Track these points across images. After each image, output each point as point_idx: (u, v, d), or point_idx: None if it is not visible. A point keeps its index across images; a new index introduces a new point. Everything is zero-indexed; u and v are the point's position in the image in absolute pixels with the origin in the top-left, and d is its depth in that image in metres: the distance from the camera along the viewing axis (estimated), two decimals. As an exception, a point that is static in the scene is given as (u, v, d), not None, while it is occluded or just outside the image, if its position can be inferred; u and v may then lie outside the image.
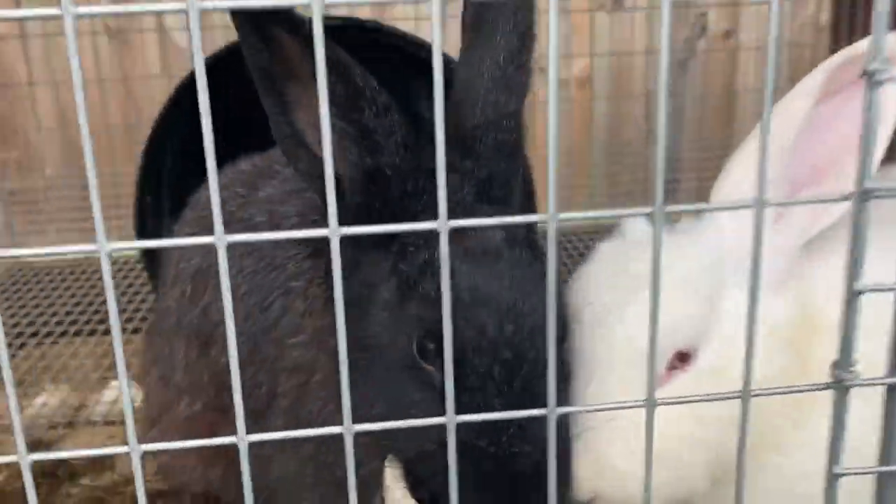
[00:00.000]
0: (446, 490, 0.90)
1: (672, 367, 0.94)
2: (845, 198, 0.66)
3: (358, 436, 1.00)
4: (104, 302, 2.55)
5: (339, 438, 1.10)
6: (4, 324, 2.32)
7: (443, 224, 0.66)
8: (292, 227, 1.16)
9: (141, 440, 1.50)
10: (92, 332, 2.37)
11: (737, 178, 1.00)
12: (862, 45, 0.89)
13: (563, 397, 0.91)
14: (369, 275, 0.97)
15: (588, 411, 0.86)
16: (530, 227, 0.97)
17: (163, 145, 1.96)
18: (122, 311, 2.51)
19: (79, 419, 1.89)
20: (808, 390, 0.75)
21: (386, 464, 0.98)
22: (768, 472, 0.98)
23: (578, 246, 2.71)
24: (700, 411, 0.92)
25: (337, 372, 1.06)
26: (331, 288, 1.08)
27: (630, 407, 0.74)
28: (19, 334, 2.34)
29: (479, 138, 0.95)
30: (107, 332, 2.34)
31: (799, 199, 0.68)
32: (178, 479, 1.42)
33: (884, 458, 0.77)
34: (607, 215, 0.67)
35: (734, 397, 0.74)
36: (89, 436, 1.79)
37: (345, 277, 1.03)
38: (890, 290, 0.71)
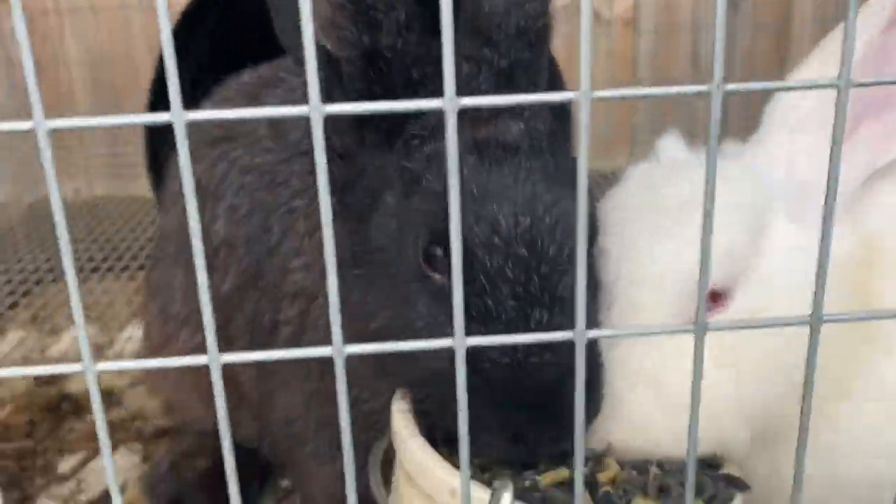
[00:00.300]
0: (456, 420, 0.79)
1: (709, 303, 0.81)
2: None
3: (363, 364, 0.91)
4: (127, 240, 2.51)
5: (348, 370, 1.00)
6: (24, 267, 2.29)
7: (449, 102, 0.54)
8: (298, 140, 1.04)
9: (146, 373, 1.40)
10: (124, 269, 2.30)
11: (795, 95, 0.88)
12: None
13: (592, 311, 0.79)
14: (374, 181, 0.86)
15: (621, 336, 0.74)
16: (555, 127, 0.84)
17: (178, 55, 1.84)
18: (140, 250, 2.45)
19: (100, 356, 1.82)
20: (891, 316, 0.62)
21: (394, 403, 0.87)
22: (831, 423, 0.85)
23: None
24: (740, 356, 0.80)
25: (348, 307, 0.96)
26: (338, 202, 0.98)
27: (677, 332, 0.62)
28: (42, 273, 2.28)
29: (499, 24, 0.82)
30: (139, 268, 2.27)
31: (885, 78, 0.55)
32: (181, 417, 1.34)
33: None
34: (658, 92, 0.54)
35: (802, 323, 0.62)
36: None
37: (349, 187, 0.93)
38: None
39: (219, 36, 1.84)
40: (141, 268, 2.29)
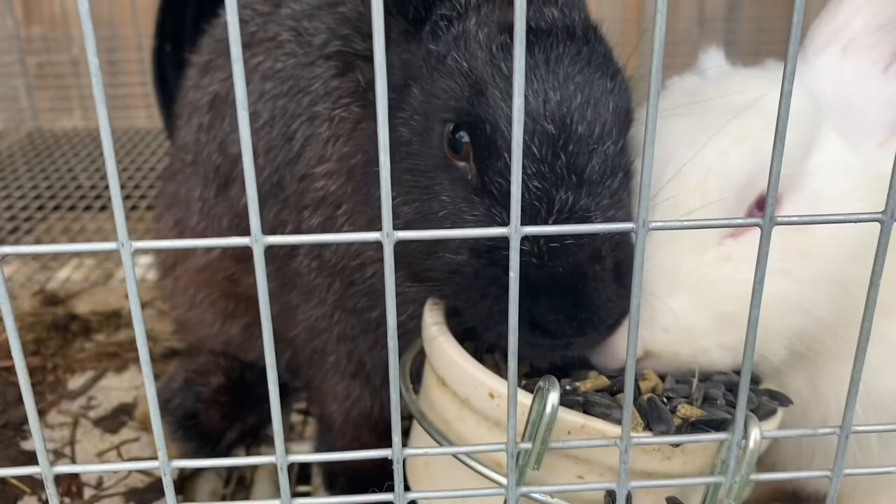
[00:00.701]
0: (478, 307, 0.76)
1: (752, 214, 0.79)
2: None
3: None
4: (129, 171, 2.46)
5: (369, 277, 0.97)
6: (24, 194, 2.25)
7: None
8: (322, 44, 1.00)
9: (159, 291, 1.36)
10: (126, 198, 2.25)
11: (845, 13, 0.85)
12: None
13: (624, 194, 0.75)
14: (399, 76, 0.83)
15: (684, 228, 0.71)
16: (589, 15, 0.81)
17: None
18: (143, 179, 2.41)
19: (99, 280, 1.79)
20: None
21: (426, 311, 0.84)
22: (873, 339, 0.83)
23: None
24: (790, 266, 0.77)
25: (363, 202, 0.92)
26: (361, 106, 0.94)
27: (743, 225, 0.59)
28: (45, 200, 2.23)
29: None
30: (141, 197, 2.23)
31: None
32: (194, 335, 1.31)
33: None
34: None
35: (873, 219, 0.59)
36: (106, 293, 1.69)
37: (371, 87, 0.89)
38: None
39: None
40: (142, 197, 2.25)
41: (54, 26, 2.88)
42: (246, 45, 1.09)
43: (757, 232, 0.77)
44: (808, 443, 0.89)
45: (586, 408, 0.72)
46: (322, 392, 1.10)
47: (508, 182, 0.72)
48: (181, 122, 1.22)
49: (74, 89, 2.96)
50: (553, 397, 0.65)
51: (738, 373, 0.81)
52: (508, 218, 0.69)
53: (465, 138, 0.75)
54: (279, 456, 0.66)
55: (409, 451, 0.65)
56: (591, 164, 0.72)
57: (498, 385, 0.72)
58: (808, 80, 0.85)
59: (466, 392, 0.75)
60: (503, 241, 0.69)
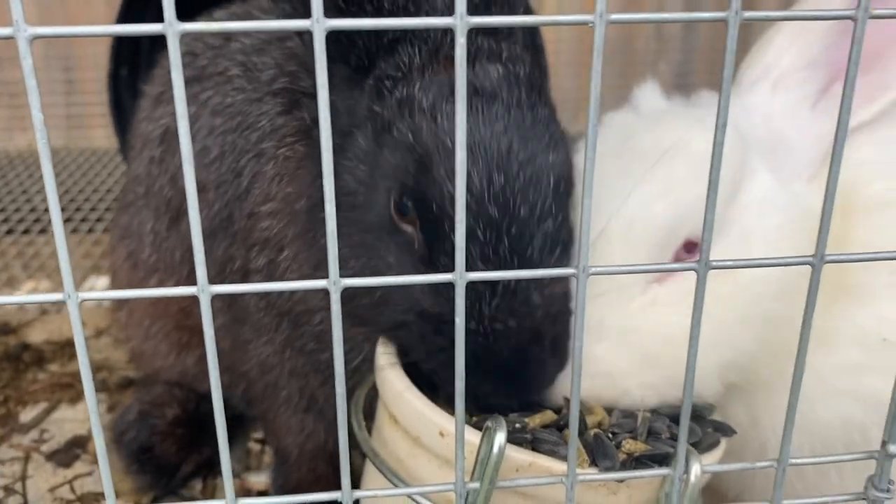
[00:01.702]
0: (427, 365, 0.78)
1: (678, 259, 0.81)
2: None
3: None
4: (86, 192, 2.43)
5: (317, 324, 0.98)
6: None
7: (460, 20, 0.52)
8: (270, 80, 1.00)
9: (113, 323, 1.35)
10: (83, 220, 2.23)
11: (775, 52, 0.88)
12: None
13: (563, 264, 0.77)
14: (344, 121, 0.83)
15: (623, 272, 0.73)
16: (534, 70, 0.82)
17: (139, 12, 1.78)
18: (99, 202, 2.38)
19: (52, 308, 1.77)
20: (890, 257, 0.62)
21: (379, 348, 0.85)
22: (806, 371, 0.86)
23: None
24: (717, 307, 0.79)
25: (307, 247, 0.93)
26: (306, 145, 0.94)
27: (680, 269, 0.61)
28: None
29: None
30: (97, 220, 2.20)
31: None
32: (150, 366, 1.30)
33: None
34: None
35: (804, 262, 0.61)
36: (60, 321, 1.67)
37: (317, 126, 0.90)
38: None
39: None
40: (99, 220, 2.22)
41: (8, 44, 2.84)
42: (196, 79, 1.10)
43: (681, 276, 0.80)
44: (750, 471, 0.92)
45: (534, 445, 0.73)
46: (277, 425, 1.10)
47: (454, 260, 0.74)
48: (133, 154, 1.22)
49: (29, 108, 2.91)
50: (500, 437, 0.66)
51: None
52: (454, 293, 0.73)
53: (412, 206, 0.77)
54: (229, 500, 0.66)
55: (358, 493, 0.66)
56: (533, 244, 0.74)
57: (448, 424, 0.73)
58: (740, 115, 0.87)
59: (417, 430, 0.76)
60: (449, 312, 0.72)
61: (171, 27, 0.51)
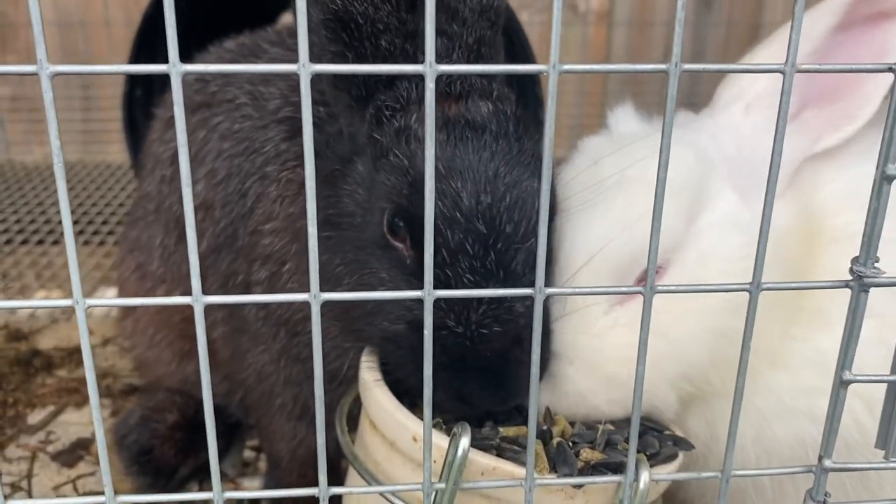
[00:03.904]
0: (415, 375, 0.84)
1: (640, 281, 0.86)
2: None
3: (332, 324, 0.95)
4: (98, 206, 2.51)
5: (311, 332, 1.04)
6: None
7: (429, 67, 0.59)
8: (275, 109, 1.08)
9: (119, 331, 1.42)
10: (94, 233, 2.30)
11: (750, 76, 0.93)
12: None
13: (549, 282, 0.84)
14: (345, 148, 0.90)
15: (577, 294, 0.79)
16: (525, 106, 0.89)
17: (156, 33, 1.86)
18: (111, 215, 2.46)
19: (62, 317, 1.84)
20: (825, 286, 0.68)
21: (362, 357, 0.92)
22: (763, 390, 0.91)
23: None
24: (672, 326, 0.85)
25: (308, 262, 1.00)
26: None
27: (627, 292, 0.67)
28: (12, 235, 2.28)
29: (464, 0, 0.87)
30: (109, 233, 2.28)
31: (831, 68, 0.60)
32: (153, 373, 1.37)
33: (898, 367, 0.70)
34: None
35: (742, 289, 0.68)
36: (69, 329, 1.74)
37: (321, 154, 0.97)
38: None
39: (199, 8, 1.87)
40: (111, 233, 2.30)
41: (29, 57, 2.94)
42: (207, 105, 1.17)
43: (640, 297, 0.86)
44: (712, 485, 0.97)
45: (500, 452, 0.79)
46: (270, 431, 1.16)
47: (446, 275, 0.81)
48: (145, 173, 1.29)
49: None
50: (464, 441, 0.72)
51: (651, 422, 0.89)
52: (447, 306, 0.80)
53: (403, 225, 0.83)
54: (216, 493, 0.72)
55: (334, 489, 0.72)
56: (517, 259, 0.81)
57: (421, 429, 0.79)
58: (711, 134, 0.92)
59: (393, 435, 0.82)
60: (443, 319, 0.80)
61: (175, 68, 0.58)
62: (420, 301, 0.83)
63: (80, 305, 0.65)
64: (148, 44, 1.88)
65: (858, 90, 0.90)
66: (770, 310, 0.83)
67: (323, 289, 0.65)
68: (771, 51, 0.93)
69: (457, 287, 0.81)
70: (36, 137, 3.02)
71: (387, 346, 0.86)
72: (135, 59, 1.91)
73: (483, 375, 0.81)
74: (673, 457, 0.85)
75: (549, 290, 0.65)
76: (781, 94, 0.62)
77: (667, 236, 0.84)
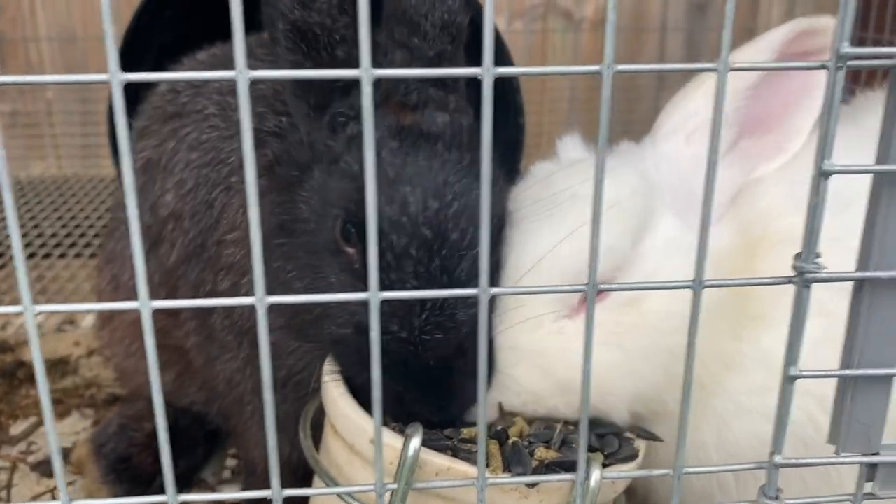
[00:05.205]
0: (362, 377, 0.85)
1: (584, 300, 0.87)
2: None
3: (288, 334, 0.96)
4: (91, 219, 2.52)
5: (272, 343, 1.05)
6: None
7: (365, 73, 0.60)
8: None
9: (98, 341, 1.43)
10: (87, 245, 2.32)
11: (693, 104, 0.95)
12: (825, 22, 0.90)
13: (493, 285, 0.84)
14: (303, 155, 0.91)
15: (521, 293, 0.80)
16: (505, 110, 0.90)
17: (141, 47, 1.88)
18: (104, 228, 2.47)
19: (48, 330, 1.85)
20: (769, 283, 0.69)
21: (326, 362, 0.93)
22: (719, 392, 0.93)
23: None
24: (624, 340, 0.86)
25: (266, 272, 1.01)
26: (269, 179, 1.02)
27: (570, 291, 0.68)
28: (1, 253, 2.29)
29: (426, 14, 0.88)
30: (92, 255, 2.30)
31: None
32: (132, 383, 1.38)
33: (845, 361, 0.71)
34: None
35: (685, 286, 0.68)
36: (56, 341, 1.76)
37: (280, 161, 0.98)
38: (860, 170, 0.64)
39: (182, 21, 1.88)
40: (101, 247, 2.31)
41: (28, 73, 2.97)
42: (178, 115, 1.19)
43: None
44: (684, 486, 0.98)
45: (455, 452, 0.80)
46: (244, 439, 1.17)
47: (391, 279, 0.82)
48: (119, 184, 1.31)
49: (48, 138, 3.02)
50: (415, 442, 0.73)
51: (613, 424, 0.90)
52: (391, 307, 0.81)
53: (354, 231, 0.84)
54: (169, 496, 0.73)
55: (287, 491, 0.73)
56: (461, 266, 0.82)
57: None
58: (652, 162, 0.95)
59: (352, 438, 0.83)
60: (386, 325, 0.80)
61: (115, 77, 0.59)
62: (365, 305, 0.85)
63: (30, 312, 0.66)
64: (135, 55, 1.90)
65: (789, 122, 0.94)
66: (718, 318, 0.87)
67: (275, 293, 0.66)
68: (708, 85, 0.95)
69: (402, 290, 0.81)
70: (35, 153, 3.04)
71: (334, 349, 0.87)
72: (125, 58, 1.93)
73: (424, 386, 0.82)
74: (632, 457, 0.86)
75: (494, 290, 0.66)
76: (716, 93, 0.62)
77: (612, 254, 0.86)
